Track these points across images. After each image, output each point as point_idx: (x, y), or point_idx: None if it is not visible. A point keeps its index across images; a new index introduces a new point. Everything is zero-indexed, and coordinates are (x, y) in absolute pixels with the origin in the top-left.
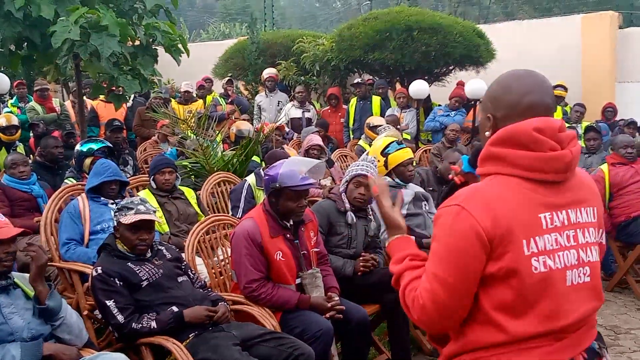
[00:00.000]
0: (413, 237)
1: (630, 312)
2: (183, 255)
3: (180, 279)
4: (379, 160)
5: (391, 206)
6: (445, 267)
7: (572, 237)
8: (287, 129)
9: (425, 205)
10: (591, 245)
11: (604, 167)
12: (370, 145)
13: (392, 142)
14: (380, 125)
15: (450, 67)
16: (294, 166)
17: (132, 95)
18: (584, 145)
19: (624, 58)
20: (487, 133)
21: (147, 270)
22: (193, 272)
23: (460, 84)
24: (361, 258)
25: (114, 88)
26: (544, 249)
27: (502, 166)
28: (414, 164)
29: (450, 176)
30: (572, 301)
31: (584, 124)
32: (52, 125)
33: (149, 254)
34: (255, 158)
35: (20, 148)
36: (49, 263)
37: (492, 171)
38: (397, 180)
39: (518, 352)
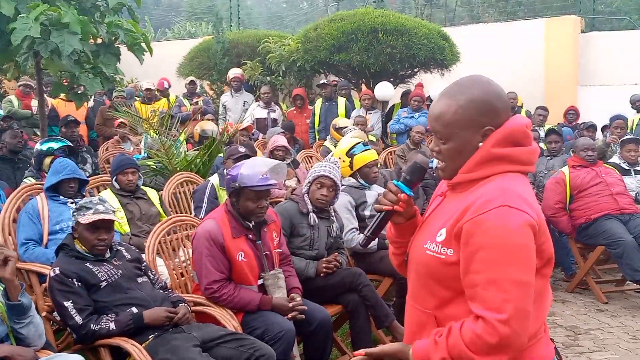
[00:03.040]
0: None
1: (590, 313)
2: (143, 256)
3: (140, 279)
4: (343, 161)
5: (381, 349)
6: (517, 269)
7: None
8: (253, 129)
9: None
10: None
11: (565, 170)
12: (335, 147)
13: (358, 143)
14: (346, 127)
15: (415, 69)
16: (254, 166)
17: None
18: (545, 148)
19: (586, 62)
20: (480, 144)
21: (106, 270)
22: (153, 272)
23: (419, 85)
24: (324, 259)
25: (75, 86)
26: None
27: (506, 164)
28: (379, 165)
29: (389, 207)
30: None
31: (547, 126)
32: (23, 122)
33: (108, 255)
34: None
35: None
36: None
37: (497, 171)
38: (361, 181)
39: (538, 342)
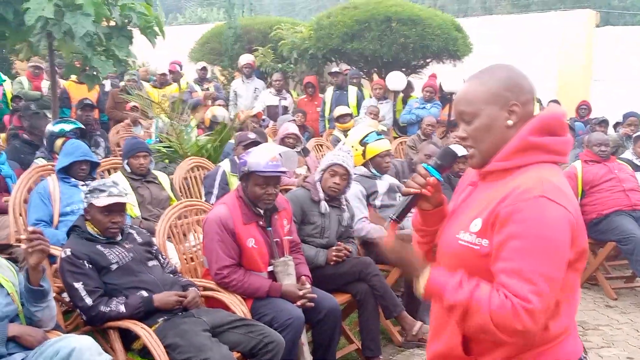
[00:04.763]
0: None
1: (599, 309)
2: (154, 239)
3: (150, 263)
4: (356, 150)
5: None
6: (548, 263)
7: None
8: (263, 116)
9: (399, 196)
10: None
11: (577, 164)
12: (345, 136)
13: (372, 132)
14: (345, 115)
15: (428, 60)
16: (263, 152)
17: (109, 81)
18: None
19: (600, 56)
20: (509, 122)
21: (117, 253)
22: (164, 256)
23: (433, 76)
24: (334, 248)
25: (87, 68)
26: None
27: (542, 154)
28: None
29: (416, 190)
30: None
31: None
32: (33, 104)
33: (119, 237)
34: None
35: None
36: (16, 243)
37: (533, 160)
38: (373, 170)
39: (568, 337)
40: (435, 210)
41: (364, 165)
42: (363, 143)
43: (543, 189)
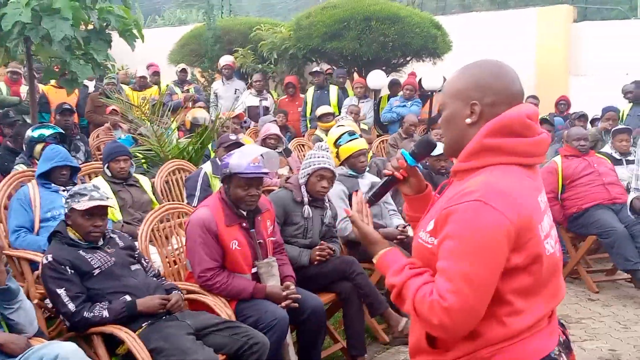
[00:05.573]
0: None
1: (581, 302)
2: (136, 243)
3: (133, 267)
4: (331, 152)
5: (366, 224)
6: (472, 265)
7: (549, 218)
8: (245, 117)
9: None
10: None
11: (557, 159)
12: (326, 135)
13: (344, 133)
14: (328, 114)
15: (408, 58)
16: (245, 154)
17: (94, 82)
18: None
19: (578, 51)
20: (468, 120)
21: (99, 258)
22: (146, 260)
23: (412, 74)
24: (317, 247)
25: (66, 73)
26: (547, 230)
27: (500, 156)
28: (371, 154)
29: (389, 172)
30: (560, 278)
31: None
32: (12, 110)
33: (101, 242)
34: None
35: None
36: None
37: (489, 162)
38: (350, 171)
39: (531, 336)
40: (418, 197)
41: (342, 165)
42: (337, 145)
43: (482, 193)
